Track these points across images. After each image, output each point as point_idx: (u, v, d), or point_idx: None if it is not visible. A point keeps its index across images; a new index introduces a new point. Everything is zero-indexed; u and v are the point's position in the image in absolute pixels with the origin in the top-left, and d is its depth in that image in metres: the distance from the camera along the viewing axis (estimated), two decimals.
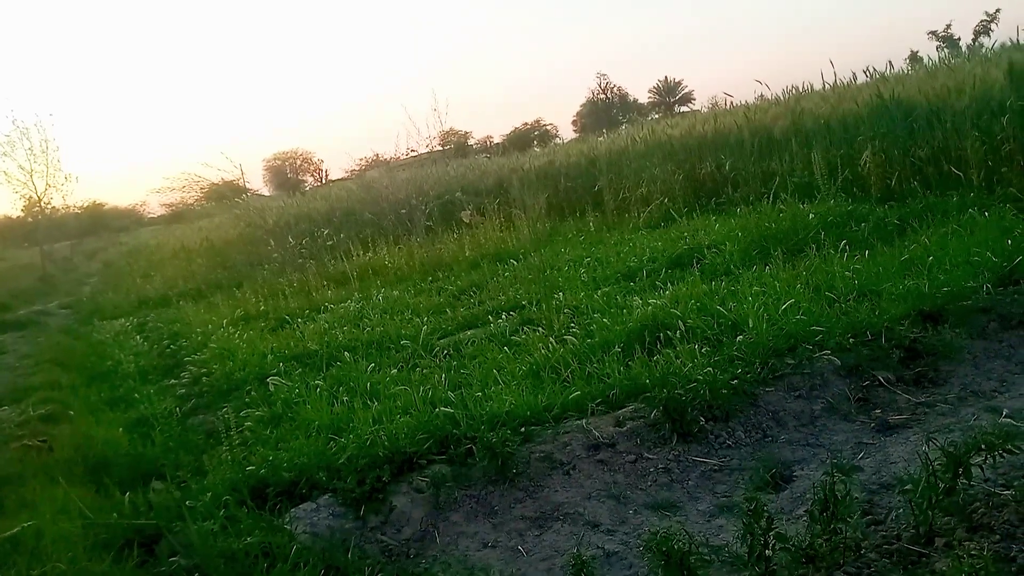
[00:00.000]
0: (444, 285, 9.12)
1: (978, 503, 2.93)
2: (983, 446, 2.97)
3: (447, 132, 23.33)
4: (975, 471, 2.91)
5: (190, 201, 36.46)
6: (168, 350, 8.35)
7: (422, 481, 3.95)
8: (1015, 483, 3.04)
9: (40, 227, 27.31)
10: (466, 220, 13.06)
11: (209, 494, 3.84)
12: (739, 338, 4.90)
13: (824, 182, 9.55)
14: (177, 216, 35.83)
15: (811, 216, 8.05)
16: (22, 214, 30.38)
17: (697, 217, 10.11)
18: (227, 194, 22.82)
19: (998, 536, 2.77)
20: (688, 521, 3.43)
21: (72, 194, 26.82)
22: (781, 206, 9.00)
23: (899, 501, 3.15)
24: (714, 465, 3.92)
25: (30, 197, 25.36)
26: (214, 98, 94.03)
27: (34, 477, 4.67)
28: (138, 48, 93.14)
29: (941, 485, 2.87)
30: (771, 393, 4.42)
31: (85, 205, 35.82)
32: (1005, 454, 2.96)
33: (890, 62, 13.20)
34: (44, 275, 23.33)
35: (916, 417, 4.07)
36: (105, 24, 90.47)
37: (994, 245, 5.92)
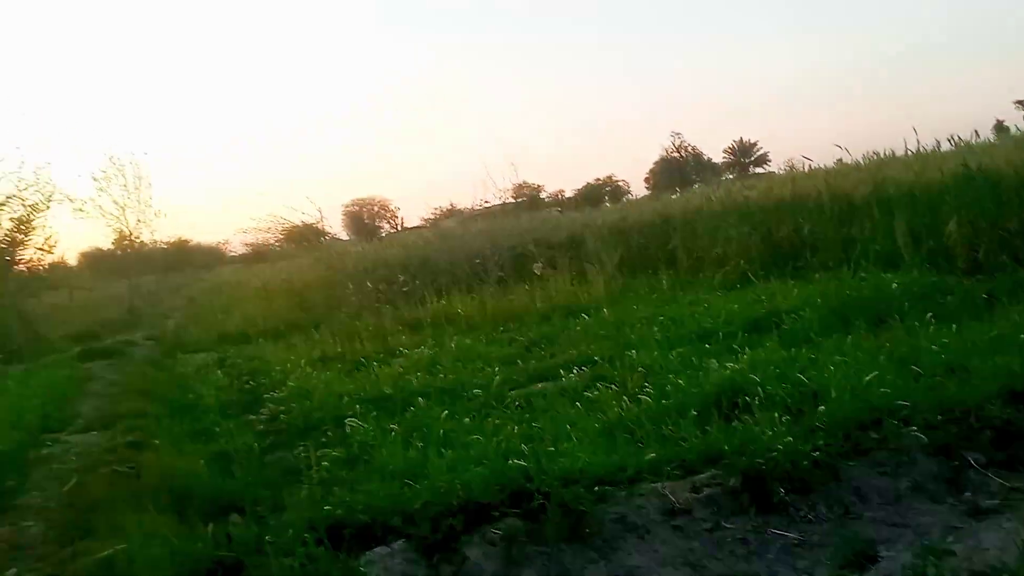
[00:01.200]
0: (515, 336, 9.20)
1: None
2: None
3: (520, 185, 23.70)
4: None
5: (271, 241, 37.80)
6: (247, 386, 8.61)
7: (495, 534, 3.96)
8: None
9: (129, 260, 28.66)
10: (538, 272, 13.18)
11: (290, 531, 3.93)
12: (820, 408, 4.79)
13: (907, 252, 9.35)
14: (258, 255, 37.05)
15: (894, 286, 7.88)
16: (112, 247, 32.02)
17: (774, 280, 9.98)
18: (307, 236, 23.57)
19: None
20: None
21: (160, 230, 28.16)
22: (862, 274, 8.84)
23: None
24: (794, 539, 3.82)
25: (121, 231, 26.71)
26: (295, 141, 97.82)
27: (123, 502, 4.87)
28: (229, 92, 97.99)
29: None
30: (854, 468, 4.30)
31: (172, 241, 37.52)
32: None
33: (976, 131, 13.01)
34: (131, 307, 24.42)
35: (1009, 503, 3.90)
36: (199, 68, 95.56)
37: None
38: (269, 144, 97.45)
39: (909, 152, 13.03)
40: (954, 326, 6.38)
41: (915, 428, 4.50)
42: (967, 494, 4.03)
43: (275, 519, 4.32)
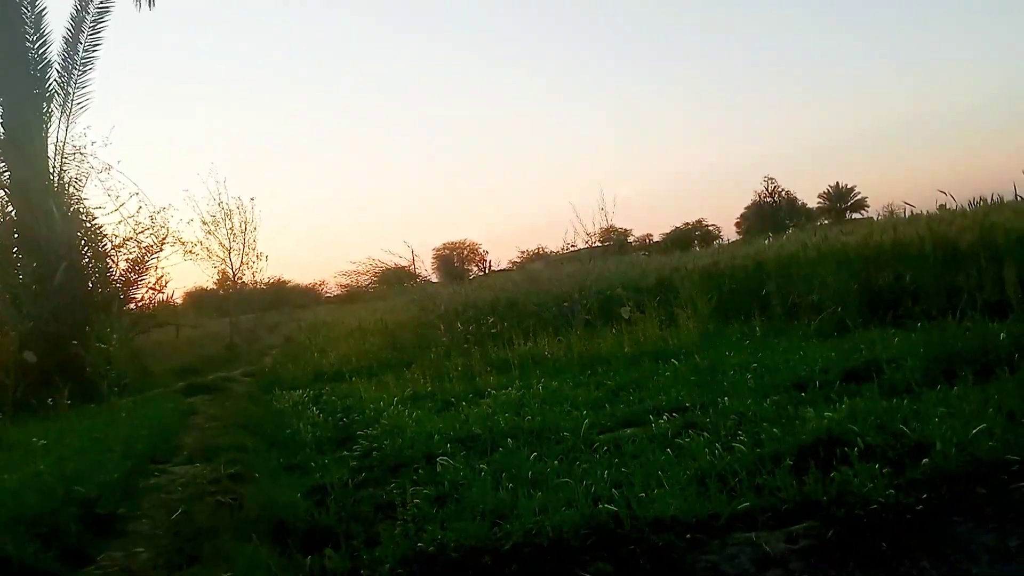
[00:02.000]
0: (603, 380, 9.18)
1: None
2: None
3: (608, 228, 23.77)
4: None
5: (365, 283, 38.98)
6: (341, 423, 8.89)
7: None
8: None
9: (230, 300, 30.02)
10: (625, 316, 13.13)
11: (387, 565, 4.04)
12: (923, 461, 4.62)
13: (1017, 300, 8.92)
14: (352, 296, 38.27)
15: (1002, 336, 7.51)
16: (215, 287, 33.62)
17: (873, 329, 9.66)
18: (400, 278, 24.25)
19: None
20: None
21: (261, 271, 29.48)
22: (968, 324, 8.45)
23: None
24: None
25: (225, 272, 28.10)
26: (389, 184, 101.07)
27: (226, 531, 5.11)
28: (329, 136, 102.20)
29: None
30: (960, 524, 4.12)
31: (271, 281, 39.17)
32: None
33: None
34: (231, 344, 25.52)
35: None
36: (304, 115, 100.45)
37: None
38: (365, 187, 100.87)
39: (1019, 198, 12.48)
40: None
41: None
42: None
43: (368, 553, 4.44)
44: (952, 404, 5.77)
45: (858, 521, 4.02)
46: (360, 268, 38.51)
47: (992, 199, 13.91)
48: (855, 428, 5.31)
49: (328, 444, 8.01)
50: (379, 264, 31.31)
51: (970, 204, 14.19)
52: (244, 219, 27.46)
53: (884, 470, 4.61)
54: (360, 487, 6.21)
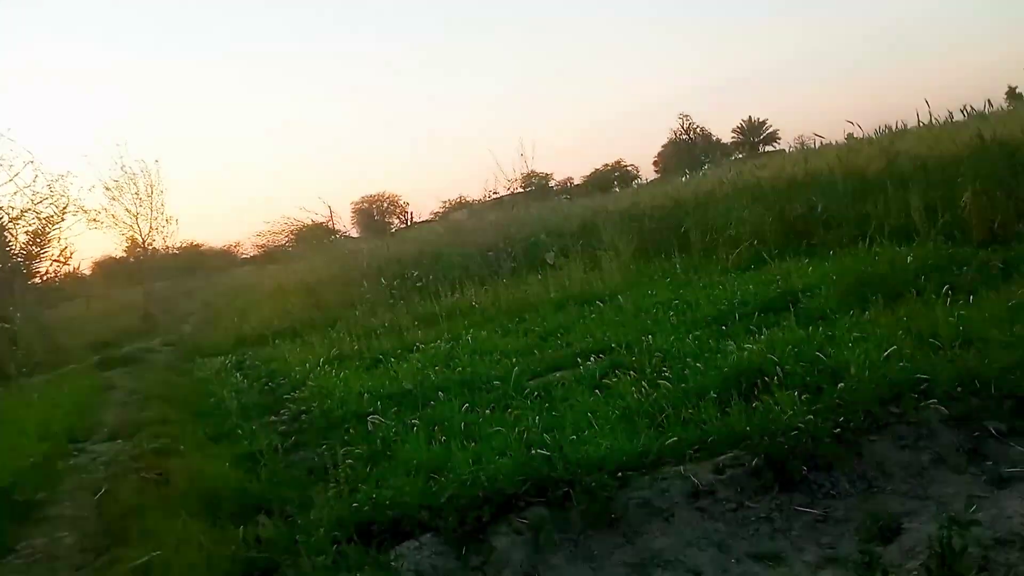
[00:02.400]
0: (531, 326, 9.22)
1: None
2: None
3: (529, 174, 23.69)
4: None
5: (282, 242, 38.00)
6: (267, 388, 8.69)
7: (521, 523, 4.01)
8: None
9: (142, 267, 28.87)
10: (550, 262, 13.19)
11: (320, 529, 3.98)
12: (840, 386, 4.80)
13: (922, 225, 9.29)
14: (270, 257, 37.27)
15: (910, 260, 7.83)
16: (125, 254, 32.27)
17: (789, 260, 9.94)
18: (318, 236, 23.72)
19: None
20: (793, 573, 3.39)
21: (172, 235, 28.35)
22: (877, 249, 8.78)
23: (1018, 557, 3.04)
24: (818, 515, 3.85)
25: (134, 239, 26.93)
26: (300, 139, 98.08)
27: (153, 508, 4.95)
28: (230, 92, 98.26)
29: None
30: (875, 443, 4.32)
31: (183, 246, 37.80)
32: None
33: (989, 100, 12.92)
34: (146, 313, 24.57)
35: None
36: (204, 71, 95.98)
37: None
38: (274, 144, 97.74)
39: (922, 125, 12.96)
40: (971, 297, 6.35)
41: (935, 401, 4.51)
42: (988, 463, 4.04)
43: (303, 518, 4.38)
44: (865, 329, 6.00)
45: (781, 447, 4.15)
46: (276, 228, 37.56)
47: (896, 127, 14.43)
48: (774, 358, 5.47)
49: (255, 410, 7.82)
50: (295, 222, 30.56)
51: (876, 133, 14.71)
52: (150, 182, 26.23)
53: (803, 397, 4.77)
54: (291, 452, 6.10)
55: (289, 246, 36.53)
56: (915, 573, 3.09)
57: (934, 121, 12.79)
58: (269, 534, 4.34)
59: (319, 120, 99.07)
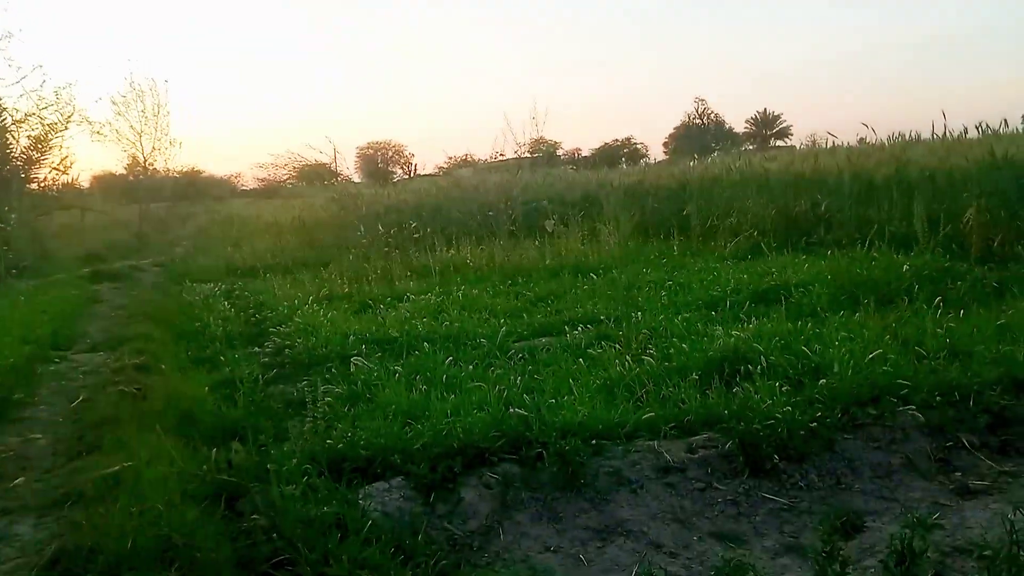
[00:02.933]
0: (523, 290, 9.22)
1: None
2: None
3: (538, 140, 23.51)
4: None
5: (284, 178, 37.75)
6: (254, 319, 8.68)
7: (492, 477, 4.05)
8: None
9: (141, 187, 28.67)
10: (549, 229, 13.15)
11: (294, 460, 4.01)
12: (821, 381, 4.84)
13: (923, 235, 9.30)
14: (269, 191, 37.07)
15: (905, 268, 7.85)
16: (125, 172, 32.03)
17: (787, 254, 9.96)
18: (321, 176, 23.52)
19: None
20: (752, 556, 3.44)
21: (174, 158, 28.14)
22: (875, 254, 8.80)
23: (974, 567, 3.09)
24: (784, 504, 3.90)
25: (136, 157, 26.73)
26: (315, 78, 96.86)
27: (128, 421, 4.97)
28: (252, 24, 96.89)
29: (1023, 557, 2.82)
30: (849, 441, 4.36)
31: (185, 170, 37.50)
32: None
33: (1005, 120, 12.85)
34: (140, 232, 24.50)
35: (998, 485, 3.96)
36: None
37: None
38: (288, 81, 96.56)
39: (935, 136, 12.88)
40: (961, 312, 6.38)
41: (912, 407, 4.55)
42: (957, 474, 4.09)
43: (277, 449, 4.40)
44: (853, 329, 6.03)
45: (755, 434, 4.19)
46: (279, 162, 37.20)
47: (910, 136, 14.35)
48: (760, 347, 5.51)
49: (239, 339, 7.83)
50: (299, 159, 30.27)
51: (889, 139, 14.62)
52: (157, 102, 25.95)
53: (784, 388, 4.81)
54: (271, 383, 6.12)
55: (290, 182, 36.31)
56: (873, 570, 3.13)
57: (948, 134, 12.72)
58: (241, 460, 4.36)
59: (336, 58, 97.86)
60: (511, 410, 4.60)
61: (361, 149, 57.44)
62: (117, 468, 4.00)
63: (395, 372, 5.64)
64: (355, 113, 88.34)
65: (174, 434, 4.75)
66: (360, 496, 3.84)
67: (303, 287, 10.38)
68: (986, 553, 2.96)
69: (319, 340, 7.01)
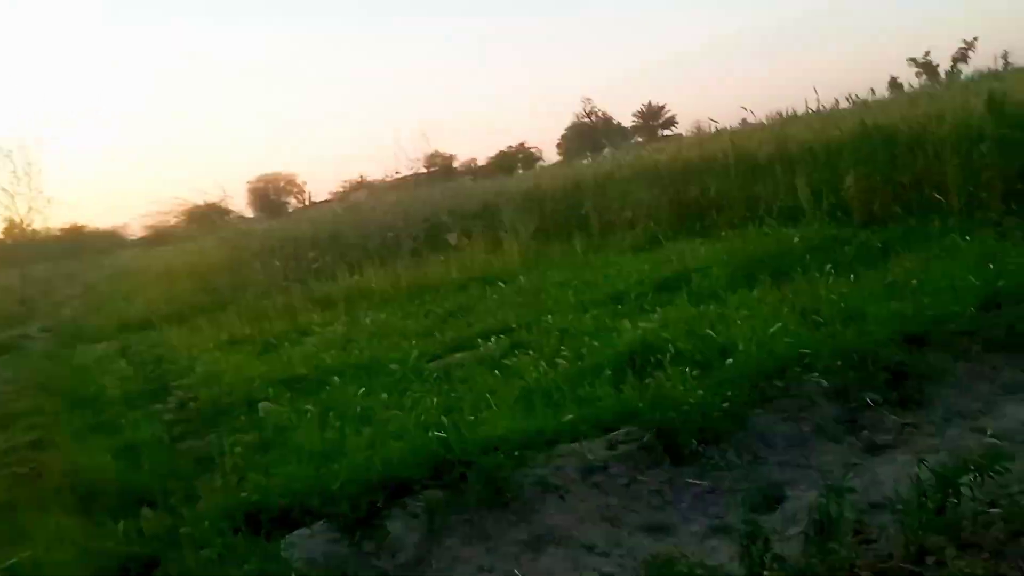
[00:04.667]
0: (432, 308, 9.14)
1: (967, 522, 2.97)
2: (972, 467, 3.05)
3: (432, 155, 23.47)
4: (963, 491, 2.97)
5: (172, 223, 36.36)
6: (153, 374, 8.29)
7: (416, 506, 3.95)
8: (1002, 502, 3.08)
9: (20, 250, 27.09)
10: (452, 243, 13.12)
11: (206, 521, 3.81)
12: (728, 361, 4.96)
13: (808, 207, 9.71)
14: (159, 238, 35.65)
15: (796, 240, 8.18)
16: (2, 236, 30.21)
17: (683, 240, 10.22)
18: (210, 217, 22.79)
19: (987, 554, 2.82)
20: (682, 543, 3.46)
21: (52, 216, 26.72)
22: (766, 230, 9.14)
23: (890, 521, 3.19)
24: (706, 487, 3.95)
25: (11, 220, 25.25)
26: (192, 119, 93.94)
27: (25, 505, 4.63)
28: (114, 69, 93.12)
29: (931, 505, 2.93)
30: (761, 416, 4.47)
31: (65, 227, 35.65)
32: (992, 475, 3.03)
33: (872, 89, 13.63)
34: (23, 298, 23.07)
35: (903, 438, 4.13)
36: (84, 46, 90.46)
37: (975, 269, 6.03)
38: (169, 119, 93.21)
39: (810, 111, 13.51)
40: (852, 275, 6.68)
41: (816, 374, 4.71)
42: (864, 432, 4.24)
43: (189, 510, 4.18)
44: (753, 306, 6.22)
45: (672, 422, 4.24)
46: (166, 208, 35.85)
47: (787, 113, 14.99)
48: (667, 336, 5.60)
49: (139, 398, 7.44)
50: (186, 203, 29.23)
51: (768, 118, 15.25)
52: (28, 161, 24.58)
53: (694, 373, 4.90)
54: (177, 441, 5.82)
55: (180, 227, 35.02)
56: (796, 539, 3.19)
57: (821, 108, 13.37)
58: (152, 527, 4.13)
59: (209, 96, 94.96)
60: (430, 434, 4.51)
61: (251, 183, 55.95)
62: (14, 560, 3.70)
63: (306, 411, 5.47)
64: (241, 147, 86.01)
65: (77, 511, 4.45)
66: (282, 547, 3.67)
67: (202, 334, 9.98)
68: (898, 507, 3.05)
69: (223, 388, 6.74)
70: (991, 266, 5.98)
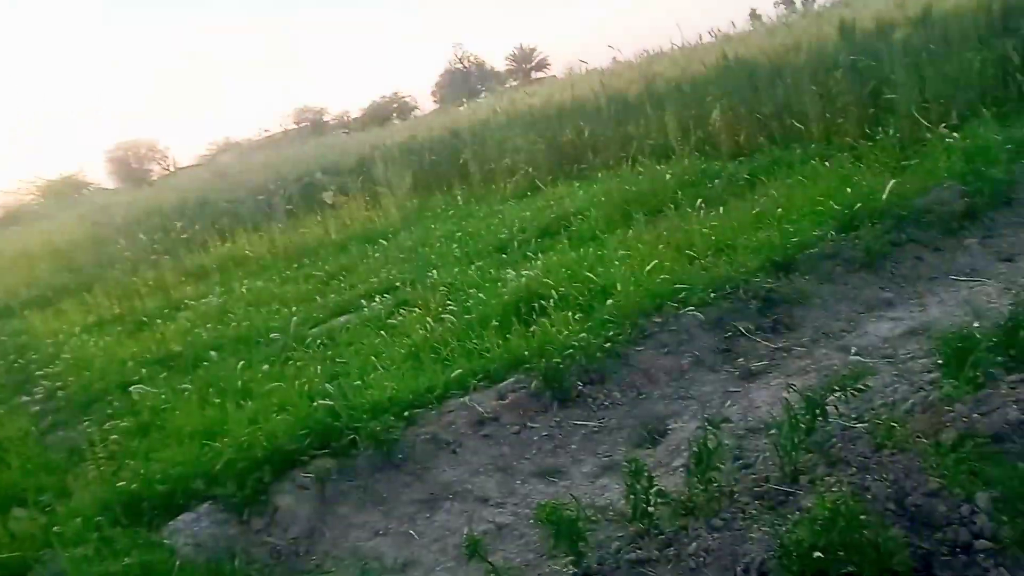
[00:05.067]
0: (312, 271, 8.86)
1: (835, 439, 3.16)
2: (837, 386, 3.22)
3: (301, 109, 22.60)
4: (831, 409, 3.15)
5: (26, 200, 33.74)
6: (16, 365, 7.70)
7: (305, 478, 3.88)
8: (866, 417, 3.28)
9: None
10: (329, 202, 12.70)
11: (79, 518, 3.60)
12: (609, 302, 5.04)
13: (678, 143, 9.92)
14: (12, 218, 33.05)
15: (668, 177, 8.34)
16: None
17: (561, 185, 10.28)
18: (67, 191, 21.25)
19: (854, 468, 3.00)
20: (573, 485, 3.54)
21: None
22: (640, 169, 9.28)
23: (766, 444, 3.35)
24: (594, 427, 4.05)
25: None
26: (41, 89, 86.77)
27: None
28: None
29: (802, 426, 3.08)
30: (642, 352, 4.59)
31: None
32: (856, 392, 3.22)
33: (733, 22, 13.98)
34: None
35: (775, 362, 4.34)
36: None
37: (835, 194, 6.31)
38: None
39: (675, 48, 13.73)
40: (722, 208, 6.89)
41: (692, 308, 4.86)
42: (740, 360, 4.42)
43: (64, 506, 3.95)
44: (630, 245, 6.33)
45: (557, 367, 4.30)
46: (17, 186, 33.18)
47: (654, 51, 15.19)
48: (550, 282, 5.64)
49: (2, 392, 6.93)
50: (39, 178, 27.09)
51: (636, 57, 15.41)
52: None
53: (576, 316, 4.97)
54: (46, 433, 5.48)
55: (35, 204, 32.55)
56: (679, 471, 3.32)
57: (686, 44, 13.61)
58: (24, 528, 3.88)
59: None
60: (316, 403, 4.41)
61: (110, 152, 52.45)
62: None
63: (184, 390, 5.22)
64: (98, 115, 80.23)
65: None
66: (165, 534, 3.53)
67: (67, 317, 9.33)
68: (772, 432, 3.20)
69: (94, 373, 6.34)
70: (848, 190, 6.28)
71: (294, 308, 7.05)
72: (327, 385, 4.72)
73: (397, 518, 3.57)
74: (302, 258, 9.75)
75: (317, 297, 7.46)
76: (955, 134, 7.20)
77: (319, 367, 5.19)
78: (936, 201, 5.79)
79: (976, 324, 3.60)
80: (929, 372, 3.54)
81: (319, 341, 5.97)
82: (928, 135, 7.62)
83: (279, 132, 17.56)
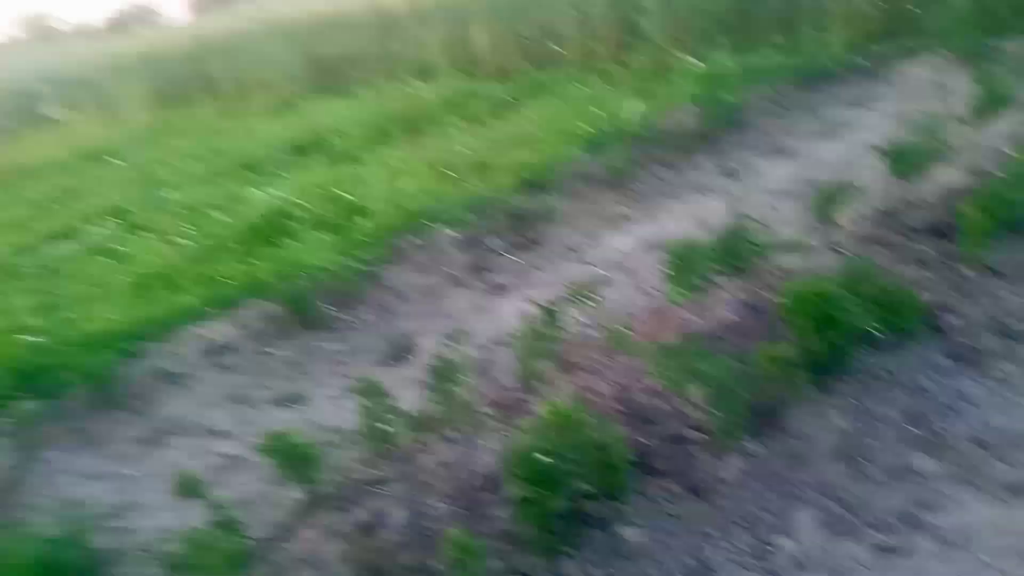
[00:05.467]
0: (29, 194, 7.78)
1: (570, 346, 3.24)
2: (574, 297, 3.29)
3: (34, 17, 19.65)
4: (569, 318, 3.22)
5: None
6: None
7: (6, 422, 3.38)
8: (600, 324, 3.39)
9: None
10: (54, 117, 11.18)
11: None
12: (363, 222, 4.84)
13: (442, 63, 9.72)
14: None
15: (431, 96, 8.16)
16: None
17: (321, 101, 9.76)
18: None
19: (586, 373, 3.10)
20: (315, 410, 3.37)
21: None
22: (403, 87, 9.01)
23: (506, 354, 3.37)
24: (340, 349, 3.88)
25: None
26: None
27: None
28: None
29: (540, 336, 3.12)
30: (396, 272, 4.47)
31: None
32: (592, 301, 3.30)
33: None
34: None
35: (522, 277, 4.38)
36: None
37: (586, 115, 6.47)
38: None
39: None
40: (481, 129, 6.84)
41: (447, 226, 4.78)
42: (490, 275, 4.43)
43: None
44: (389, 165, 6.12)
45: (303, 291, 4.06)
46: None
47: None
48: (302, 202, 5.32)
49: None
50: None
51: None
52: None
53: (328, 237, 4.72)
54: None
55: None
56: (421, 387, 3.25)
57: None
58: None
59: None
60: (19, 339, 3.85)
61: None
62: None
63: None
64: None
65: None
66: None
67: None
68: (513, 342, 3.21)
69: None
70: (598, 112, 6.45)
71: (4, 235, 6.14)
72: (36, 320, 4.14)
73: (115, 459, 3.21)
74: (21, 180, 8.54)
75: (32, 223, 6.55)
76: (699, 62, 7.61)
77: (27, 300, 4.55)
78: (675, 123, 6.11)
79: (700, 235, 3.82)
80: (658, 281, 3.72)
81: (32, 271, 5.24)
82: (675, 62, 8.01)
83: (3, 39, 15.06)
